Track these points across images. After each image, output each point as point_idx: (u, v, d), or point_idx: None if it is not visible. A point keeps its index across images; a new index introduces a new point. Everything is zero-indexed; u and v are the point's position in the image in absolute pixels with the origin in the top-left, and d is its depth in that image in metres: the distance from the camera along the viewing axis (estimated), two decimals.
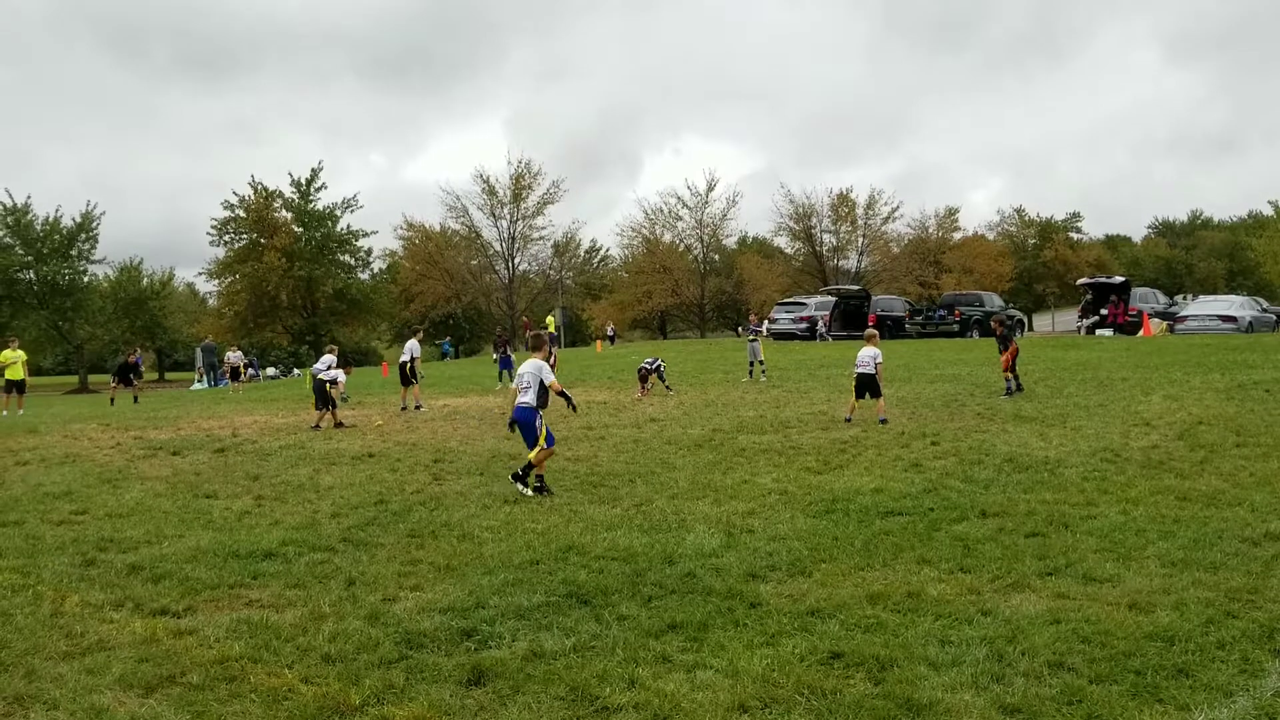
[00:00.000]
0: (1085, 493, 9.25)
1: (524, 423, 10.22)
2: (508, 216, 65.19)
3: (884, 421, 14.44)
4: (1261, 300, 43.12)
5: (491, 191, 64.31)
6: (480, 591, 6.56)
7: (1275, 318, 36.87)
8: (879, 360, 15.01)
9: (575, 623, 5.89)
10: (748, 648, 5.38)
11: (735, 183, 79.64)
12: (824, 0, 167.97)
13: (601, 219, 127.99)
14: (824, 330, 40.38)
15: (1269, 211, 76.85)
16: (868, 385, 14.90)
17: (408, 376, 19.83)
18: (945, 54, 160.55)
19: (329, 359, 18.10)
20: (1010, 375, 17.34)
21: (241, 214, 58.32)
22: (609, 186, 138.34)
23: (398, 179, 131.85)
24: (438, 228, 67.78)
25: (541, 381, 10.21)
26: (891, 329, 40.30)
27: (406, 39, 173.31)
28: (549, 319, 47.78)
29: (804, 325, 41.46)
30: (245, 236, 58.85)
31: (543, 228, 66.29)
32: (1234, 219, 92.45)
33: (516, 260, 67.12)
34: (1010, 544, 7.48)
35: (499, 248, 66.50)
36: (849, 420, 14.61)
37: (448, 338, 62.18)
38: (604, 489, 10.39)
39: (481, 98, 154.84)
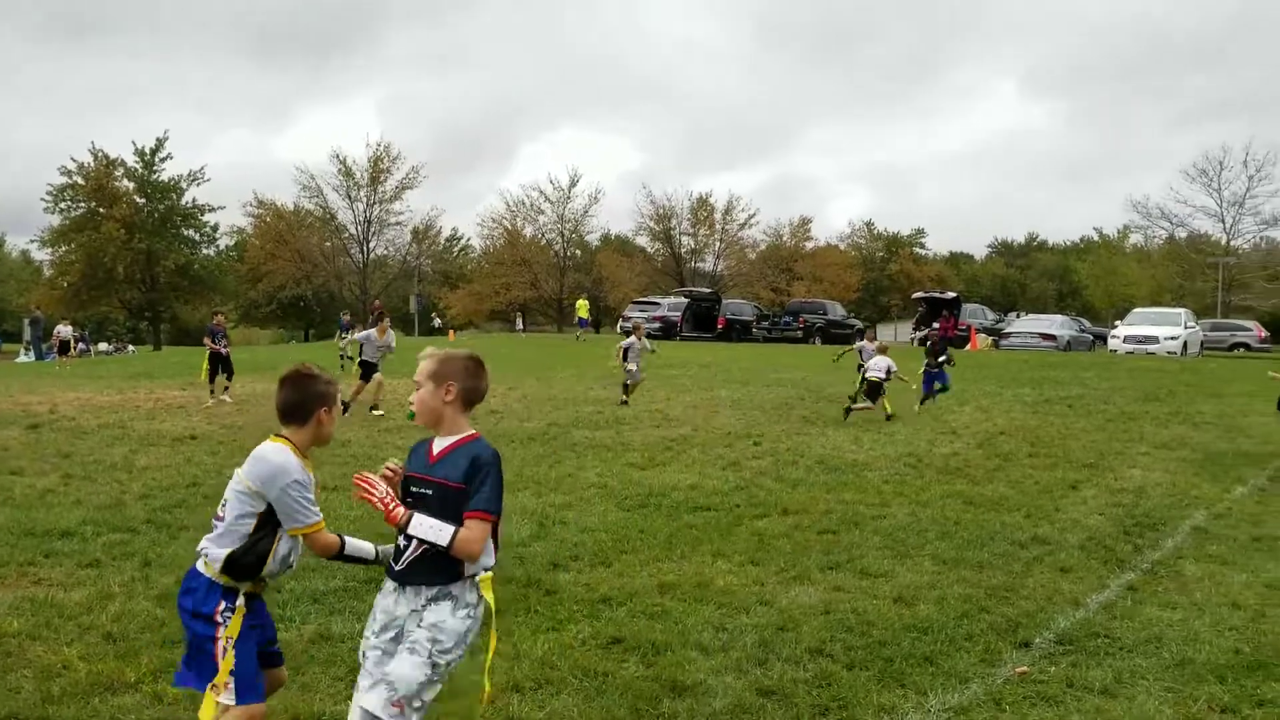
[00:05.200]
0: (882, 494, 9.83)
1: None
2: (364, 199, 64.16)
3: (890, 418, 15.34)
4: (1083, 320, 46.07)
5: (348, 173, 63.15)
6: None
7: (1092, 338, 39.40)
8: (894, 369, 15.70)
9: (368, 608, 5.97)
10: (534, 633, 5.61)
11: (608, 181, 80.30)
12: (711, 10, 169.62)
13: (473, 209, 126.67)
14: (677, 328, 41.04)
15: (1097, 238, 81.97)
16: (877, 390, 15.60)
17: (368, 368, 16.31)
18: (822, 71, 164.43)
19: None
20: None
21: (80, 181, 55.52)
22: (483, 177, 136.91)
23: (265, 155, 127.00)
24: (291, 207, 66.10)
25: None
26: (740, 332, 41.37)
27: (283, 11, 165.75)
28: (581, 303, 46.02)
29: (657, 325, 42.10)
30: (83, 205, 56.08)
31: (400, 213, 65.55)
32: (1066, 243, 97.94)
33: (372, 244, 66.07)
34: (802, 540, 7.92)
35: (354, 230, 65.35)
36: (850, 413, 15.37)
37: (344, 312, 60.25)
38: None
39: (357, 78, 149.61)
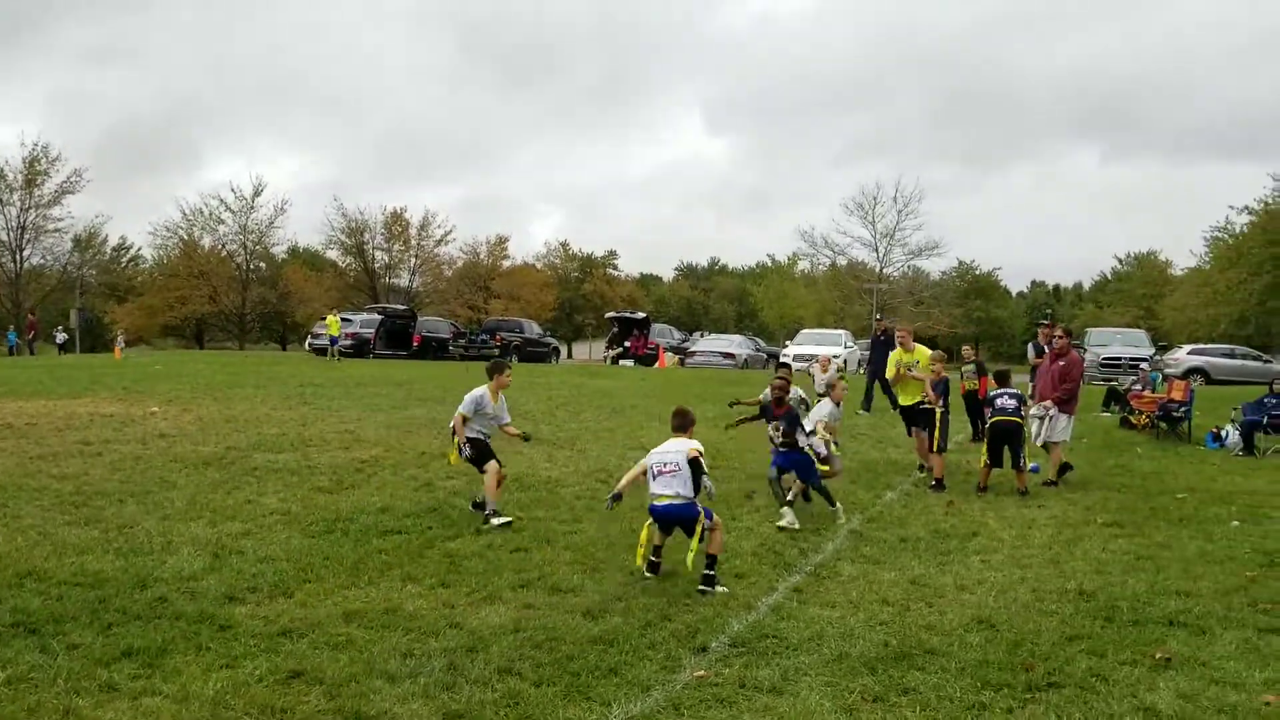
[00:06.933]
0: (574, 510, 10.05)
1: None
2: (18, 203, 58.00)
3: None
4: (759, 340, 49.40)
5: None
6: None
7: (766, 356, 42.29)
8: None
9: (15, 654, 5.41)
10: (205, 671, 5.28)
11: (297, 192, 75.84)
12: (407, 22, 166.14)
13: (148, 217, 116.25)
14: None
15: (771, 263, 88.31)
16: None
17: None
18: (521, 92, 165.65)
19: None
20: None
21: None
22: (160, 186, 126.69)
23: None
24: None
25: None
26: (436, 350, 40.94)
27: None
28: (331, 319, 39.61)
29: (350, 342, 40.75)
30: None
31: (60, 219, 59.75)
32: (744, 268, 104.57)
33: (27, 253, 59.79)
34: (494, 559, 7.95)
35: (4, 237, 58.85)
36: None
37: (11, 327, 52.69)
38: (87, 509, 9.55)
39: (16, 70, 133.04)
